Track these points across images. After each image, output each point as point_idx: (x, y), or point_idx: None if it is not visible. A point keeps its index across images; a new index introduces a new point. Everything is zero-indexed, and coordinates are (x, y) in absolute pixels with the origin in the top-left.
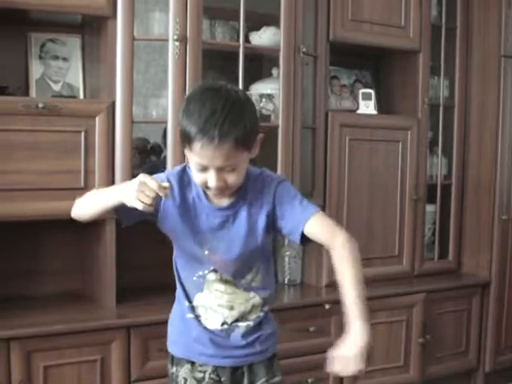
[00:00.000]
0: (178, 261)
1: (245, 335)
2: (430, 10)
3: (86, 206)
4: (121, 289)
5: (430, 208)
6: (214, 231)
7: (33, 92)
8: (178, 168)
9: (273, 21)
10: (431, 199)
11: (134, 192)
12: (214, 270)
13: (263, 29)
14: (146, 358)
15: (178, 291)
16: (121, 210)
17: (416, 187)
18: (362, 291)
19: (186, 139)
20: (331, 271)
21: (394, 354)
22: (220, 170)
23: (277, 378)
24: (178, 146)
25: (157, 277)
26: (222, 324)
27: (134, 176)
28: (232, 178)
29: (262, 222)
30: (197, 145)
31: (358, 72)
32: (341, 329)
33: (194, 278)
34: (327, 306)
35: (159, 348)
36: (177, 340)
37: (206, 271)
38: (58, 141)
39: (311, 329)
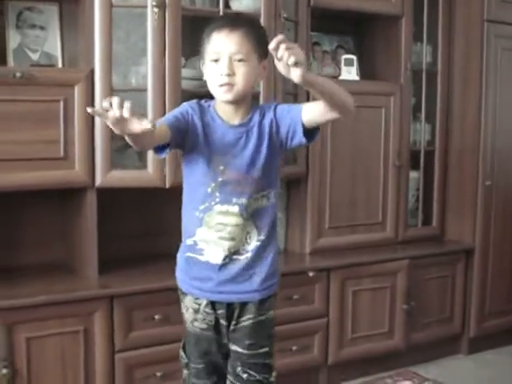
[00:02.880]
0: (187, 195)
1: (244, 269)
2: None
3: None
4: (103, 259)
5: (413, 174)
6: (229, 147)
7: (10, 61)
8: (194, 100)
9: None
10: (415, 165)
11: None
12: (220, 202)
13: None
14: (129, 327)
15: (182, 229)
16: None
17: (399, 153)
18: (336, 87)
19: (205, 39)
20: (315, 238)
21: (378, 320)
22: (229, 59)
23: (262, 317)
24: (158, 113)
25: (139, 247)
26: (225, 258)
27: (112, 146)
28: (240, 70)
29: (266, 139)
30: (214, 35)
31: (340, 38)
32: (325, 297)
33: (196, 214)
34: (311, 274)
35: (143, 317)
36: (179, 276)
37: (213, 202)
38: (36, 110)
39: (295, 296)
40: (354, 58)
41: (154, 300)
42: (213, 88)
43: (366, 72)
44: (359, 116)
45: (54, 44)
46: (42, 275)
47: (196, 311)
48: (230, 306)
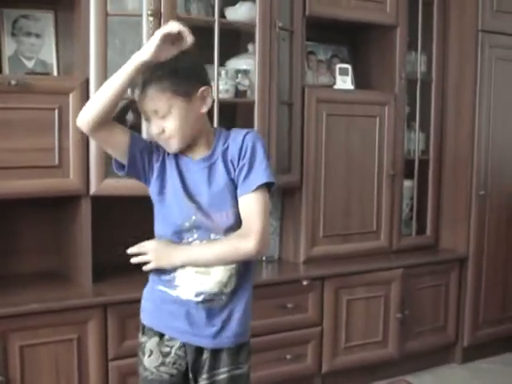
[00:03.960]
0: (158, 230)
1: (220, 311)
2: None
3: (96, 99)
4: (97, 267)
5: (407, 183)
6: (197, 184)
7: (6, 69)
8: None
9: None
10: (409, 175)
11: (154, 46)
12: (198, 238)
13: (239, 4)
14: (123, 336)
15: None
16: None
17: (393, 162)
18: (210, 253)
19: None
20: (309, 247)
21: (372, 329)
22: (155, 117)
23: (240, 371)
24: None
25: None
26: (197, 295)
27: (107, 154)
28: (168, 125)
29: (229, 169)
30: (136, 97)
31: (335, 47)
32: (319, 305)
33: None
34: (305, 283)
35: (137, 326)
36: (149, 310)
37: (191, 239)
38: (31, 118)
39: (289, 305)
40: (349, 67)
41: None
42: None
43: (360, 81)
44: (353, 125)
45: (49, 52)
46: (36, 283)
47: (165, 354)
48: (198, 355)
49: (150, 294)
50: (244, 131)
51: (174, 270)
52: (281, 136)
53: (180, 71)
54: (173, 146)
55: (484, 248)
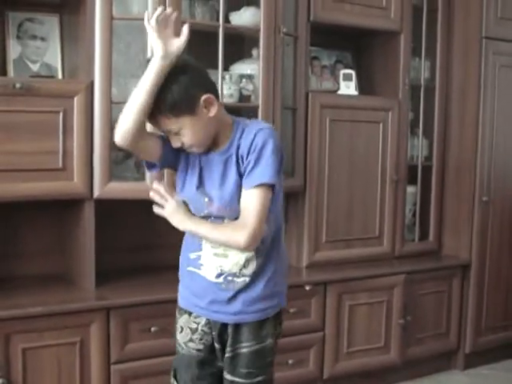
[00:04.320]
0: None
1: (240, 291)
2: None
3: (126, 115)
4: (100, 270)
5: (410, 189)
6: (211, 177)
7: (10, 72)
8: None
9: (253, 1)
10: (412, 180)
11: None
12: (215, 217)
13: (243, 9)
14: (125, 339)
15: (185, 242)
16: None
17: (397, 168)
18: (210, 234)
19: None
20: (312, 252)
21: (374, 334)
22: (171, 134)
23: (261, 345)
24: None
25: (137, 259)
26: (218, 276)
27: (111, 158)
28: (184, 139)
29: (240, 164)
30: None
31: (339, 53)
32: (321, 310)
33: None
34: (308, 288)
35: (139, 329)
36: (180, 291)
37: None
38: (35, 121)
39: (291, 310)
40: (353, 72)
41: (151, 312)
42: None
43: (364, 87)
44: (357, 131)
45: (54, 55)
46: (39, 286)
47: (193, 331)
48: (224, 329)
49: (182, 277)
50: (258, 127)
51: (199, 248)
52: (284, 141)
53: (175, 96)
54: (196, 151)
55: (487, 254)
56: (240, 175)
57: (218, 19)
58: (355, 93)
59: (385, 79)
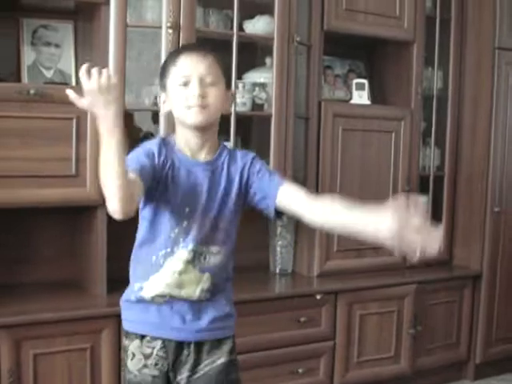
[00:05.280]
0: (145, 237)
1: (194, 311)
2: (424, 0)
3: (108, 188)
4: (112, 277)
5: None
6: (196, 187)
7: (25, 78)
8: (157, 138)
9: (267, 9)
10: (424, 190)
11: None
12: (183, 247)
13: (257, 17)
14: None
15: (132, 271)
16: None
17: (408, 178)
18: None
19: (170, 67)
20: (323, 261)
21: (384, 344)
22: (200, 83)
23: (222, 359)
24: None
25: None
26: (169, 302)
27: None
28: (212, 92)
29: (236, 183)
30: (183, 57)
31: (352, 62)
32: (332, 320)
33: (154, 259)
34: (318, 297)
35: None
36: (128, 315)
37: (175, 248)
38: (49, 128)
39: (302, 319)
40: (366, 82)
41: None
42: (182, 112)
43: (377, 96)
44: (369, 140)
45: (68, 62)
46: (51, 292)
47: (147, 356)
48: (182, 350)
49: (128, 302)
50: (250, 154)
51: (149, 281)
52: (297, 150)
53: (228, 65)
54: (204, 114)
55: (498, 265)
56: (237, 193)
57: (231, 28)
58: (368, 102)
59: (397, 89)
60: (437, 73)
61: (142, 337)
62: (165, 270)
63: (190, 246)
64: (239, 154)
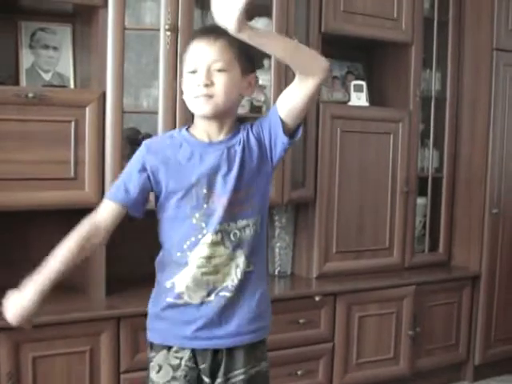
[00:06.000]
0: (165, 233)
1: (229, 307)
2: (422, 2)
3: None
4: (111, 280)
5: (420, 201)
6: (210, 168)
7: (23, 81)
8: (144, 144)
9: (265, 11)
10: (422, 192)
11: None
12: (207, 233)
13: (255, 19)
14: (135, 349)
15: (158, 269)
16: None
17: (407, 180)
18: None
19: (186, 48)
20: (322, 263)
21: (383, 346)
22: (209, 69)
23: (255, 369)
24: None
25: (147, 268)
26: (209, 294)
27: (123, 167)
28: (220, 80)
29: (255, 152)
30: (193, 44)
31: (350, 64)
32: (331, 321)
33: (179, 254)
34: (317, 298)
35: None
36: (154, 326)
37: (200, 235)
38: (48, 131)
39: (301, 321)
40: (364, 83)
41: None
42: (190, 101)
43: (375, 98)
44: (368, 142)
45: (66, 65)
46: (50, 295)
47: (175, 368)
48: (214, 357)
49: (156, 310)
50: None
51: (177, 272)
52: (295, 151)
53: (248, 47)
54: (211, 104)
55: (497, 266)
56: (257, 165)
57: None
58: (366, 104)
59: (395, 90)
60: (435, 74)
61: (169, 347)
62: (192, 260)
63: (217, 227)
64: (251, 125)
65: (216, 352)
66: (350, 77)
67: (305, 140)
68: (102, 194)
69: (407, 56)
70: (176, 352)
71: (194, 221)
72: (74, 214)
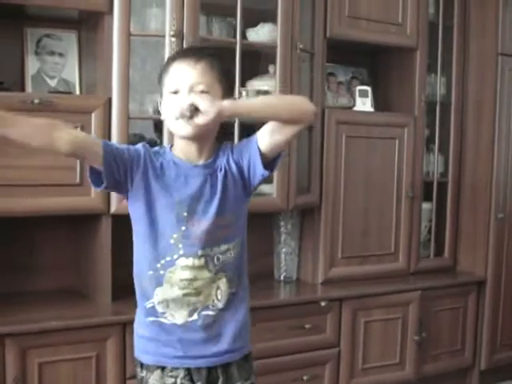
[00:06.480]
0: (140, 250)
1: (213, 323)
2: (427, 7)
3: None
4: (117, 285)
5: (426, 206)
6: (192, 192)
7: (29, 87)
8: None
9: (270, 17)
10: (427, 197)
11: None
12: (184, 255)
13: (260, 25)
14: None
15: (137, 290)
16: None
17: (412, 185)
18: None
19: (164, 69)
20: (327, 268)
21: (389, 351)
22: (191, 90)
23: (250, 381)
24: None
25: None
26: (191, 314)
27: None
28: None
29: (231, 178)
30: (174, 65)
31: (355, 69)
32: (336, 327)
33: (150, 273)
34: (323, 304)
35: None
36: (144, 347)
37: (176, 256)
38: None
39: (307, 326)
40: (369, 89)
41: None
42: (170, 122)
43: (380, 103)
44: (373, 147)
45: (71, 71)
46: (56, 301)
47: None
48: (209, 374)
49: (140, 328)
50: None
51: (152, 295)
52: (300, 157)
53: (228, 68)
54: (189, 126)
55: (502, 271)
56: (236, 189)
57: (235, 35)
58: (371, 109)
59: (401, 95)
60: (440, 79)
61: (163, 367)
62: (169, 281)
63: (199, 252)
64: (230, 148)
65: (210, 369)
66: (354, 82)
67: (310, 145)
68: (107, 200)
69: (412, 61)
70: (170, 371)
71: (172, 241)
72: (79, 220)
